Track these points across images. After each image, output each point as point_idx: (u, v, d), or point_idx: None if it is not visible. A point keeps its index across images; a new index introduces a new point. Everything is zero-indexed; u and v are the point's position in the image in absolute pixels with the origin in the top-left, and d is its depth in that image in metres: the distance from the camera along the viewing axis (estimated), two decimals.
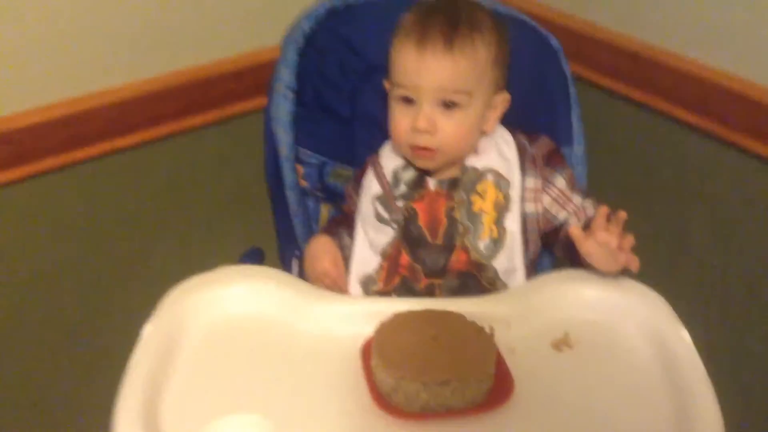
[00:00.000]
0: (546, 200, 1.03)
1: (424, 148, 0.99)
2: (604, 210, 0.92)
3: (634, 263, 0.91)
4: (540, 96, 1.13)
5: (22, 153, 1.21)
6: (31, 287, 1.32)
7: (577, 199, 1.04)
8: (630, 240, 0.91)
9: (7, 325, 1.32)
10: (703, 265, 1.40)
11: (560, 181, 1.04)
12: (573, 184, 1.05)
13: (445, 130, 0.98)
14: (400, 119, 1.00)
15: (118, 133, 1.28)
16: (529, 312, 0.92)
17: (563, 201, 1.03)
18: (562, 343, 0.89)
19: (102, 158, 1.29)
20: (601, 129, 1.45)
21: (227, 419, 0.80)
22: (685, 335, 0.87)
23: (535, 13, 1.37)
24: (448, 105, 0.98)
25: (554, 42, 1.14)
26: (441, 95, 0.97)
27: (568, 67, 1.14)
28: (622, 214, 0.91)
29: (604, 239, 0.90)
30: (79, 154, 1.26)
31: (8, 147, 1.19)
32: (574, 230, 0.92)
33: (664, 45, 1.32)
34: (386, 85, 1.05)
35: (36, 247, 1.30)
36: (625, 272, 0.94)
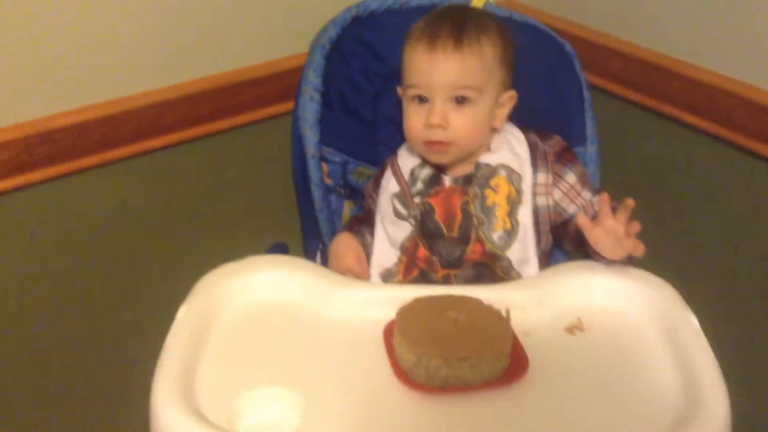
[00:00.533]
0: (557, 194, 1.08)
1: (438, 143, 1.05)
2: (605, 197, 0.96)
3: (640, 249, 0.95)
4: (555, 99, 1.19)
5: (61, 151, 1.27)
6: (67, 282, 1.37)
7: (586, 194, 1.08)
8: (636, 226, 0.95)
9: (46, 317, 1.37)
10: (713, 269, 1.43)
11: (571, 177, 1.09)
12: (584, 181, 1.10)
13: (458, 124, 1.04)
14: (414, 117, 1.06)
15: (152, 134, 1.33)
16: (543, 298, 0.96)
17: (573, 195, 1.08)
18: (574, 327, 0.93)
19: (135, 158, 1.34)
20: (613, 135, 1.49)
21: (258, 391, 0.85)
22: (693, 320, 0.91)
23: (549, 23, 1.42)
24: (460, 100, 1.04)
25: (569, 48, 1.19)
26: (452, 92, 1.03)
27: (582, 72, 1.19)
28: (630, 202, 0.95)
29: (611, 226, 0.95)
30: (114, 153, 1.31)
31: (49, 145, 1.25)
32: (582, 219, 0.97)
33: (674, 53, 1.36)
34: (399, 91, 1.10)
35: (71, 243, 1.35)
36: (631, 259, 0.98)
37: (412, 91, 1.05)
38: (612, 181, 1.50)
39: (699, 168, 1.39)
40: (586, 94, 1.19)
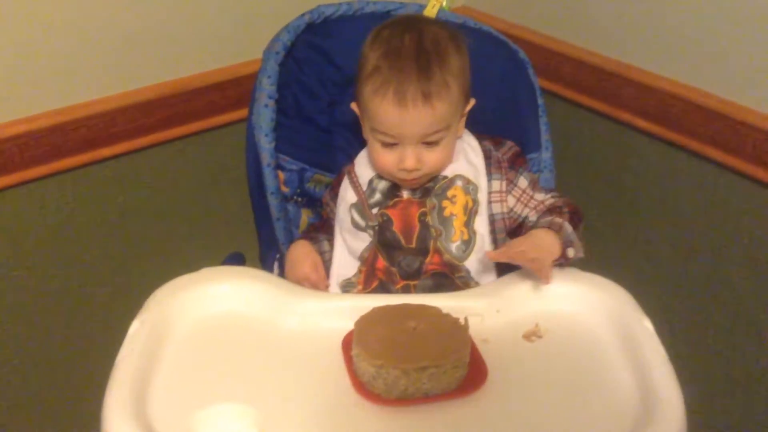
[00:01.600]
0: (510, 201, 1.09)
1: (413, 179, 1.05)
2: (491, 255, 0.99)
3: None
4: (510, 105, 1.20)
5: (8, 162, 1.23)
6: (16, 294, 1.34)
7: (539, 195, 1.09)
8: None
9: None
10: (666, 270, 1.46)
11: (522, 182, 1.09)
12: (534, 183, 1.11)
13: (430, 161, 1.04)
14: (385, 157, 1.05)
15: (102, 143, 1.30)
16: (501, 305, 0.97)
17: (526, 200, 1.09)
18: (532, 334, 0.94)
19: (85, 168, 1.31)
20: (566, 139, 1.51)
21: (214, 408, 0.83)
22: (648, 324, 0.92)
23: (503, 29, 1.43)
24: (431, 142, 1.03)
25: (522, 55, 1.20)
26: (423, 138, 1.03)
27: (536, 79, 1.20)
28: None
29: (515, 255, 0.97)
30: (63, 163, 1.28)
31: None
32: (490, 254, 0.99)
33: (625, 59, 1.39)
34: (354, 107, 1.09)
35: (22, 255, 1.31)
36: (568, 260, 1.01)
37: (381, 138, 1.04)
38: (566, 186, 1.52)
39: (651, 172, 1.42)
40: (540, 100, 1.20)
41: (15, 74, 1.21)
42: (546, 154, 1.19)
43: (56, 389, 1.43)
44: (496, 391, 0.85)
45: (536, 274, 0.98)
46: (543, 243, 0.99)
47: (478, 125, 1.16)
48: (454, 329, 0.88)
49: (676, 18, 1.29)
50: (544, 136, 1.19)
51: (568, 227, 1.01)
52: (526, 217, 1.08)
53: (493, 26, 1.24)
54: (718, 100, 1.26)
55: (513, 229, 1.09)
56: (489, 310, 0.96)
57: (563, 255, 0.99)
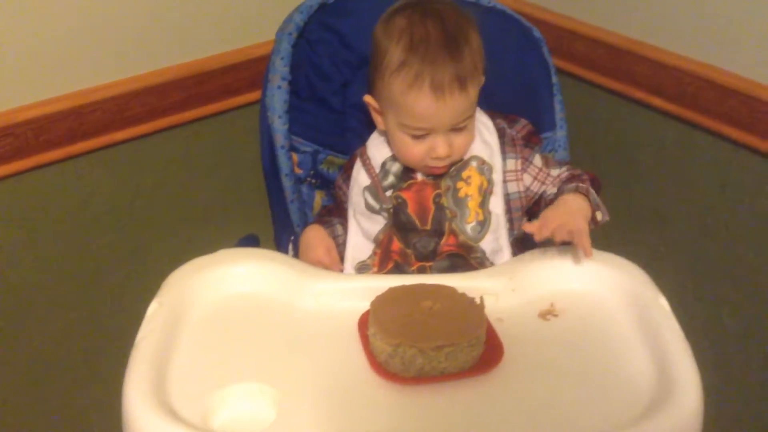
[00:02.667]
0: (527, 179, 1.09)
1: (442, 166, 1.05)
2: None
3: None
4: (524, 84, 1.19)
5: (24, 146, 1.24)
6: (33, 276, 1.35)
7: (554, 171, 1.09)
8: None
9: (11, 313, 1.35)
10: (682, 248, 1.45)
11: (537, 159, 1.09)
12: (548, 161, 1.11)
13: (458, 145, 1.04)
14: (415, 148, 1.04)
15: (117, 126, 1.31)
16: (516, 285, 0.97)
17: (543, 177, 1.09)
18: (547, 313, 0.94)
19: (100, 151, 1.32)
20: (581, 118, 1.50)
21: (232, 388, 0.84)
22: (663, 301, 0.92)
23: (515, 7, 1.42)
24: (460, 128, 1.03)
25: (536, 33, 1.19)
26: (455, 125, 1.03)
27: (551, 57, 1.19)
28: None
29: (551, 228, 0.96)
30: (79, 147, 1.29)
31: (10, 140, 1.22)
32: (527, 227, 0.99)
33: (639, 37, 1.37)
34: (369, 100, 1.08)
35: (37, 238, 1.33)
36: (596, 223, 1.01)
37: (413, 131, 1.03)
38: (581, 165, 1.51)
39: (666, 150, 1.41)
40: (555, 78, 1.19)
41: (29, 58, 1.21)
42: (561, 133, 1.18)
43: (73, 370, 1.45)
44: (512, 369, 0.86)
45: (577, 246, 0.97)
46: (576, 209, 0.99)
47: (492, 104, 1.16)
48: (470, 308, 0.89)
49: None
50: (559, 115, 1.19)
51: (593, 191, 1.02)
52: (544, 192, 1.08)
53: (506, 4, 1.23)
54: (733, 77, 1.25)
55: (530, 206, 1.09)
56: (504, 289, 0.96)
57: (593, 218, 1.00)
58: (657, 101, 1.37)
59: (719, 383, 1.40)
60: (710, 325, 1.43)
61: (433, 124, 1.02)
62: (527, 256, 1.02)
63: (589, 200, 1.01)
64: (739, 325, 1.40)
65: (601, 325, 0.92)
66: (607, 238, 1.46)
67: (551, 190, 1.07)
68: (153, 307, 0.92)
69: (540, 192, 1.09)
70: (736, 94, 1.25)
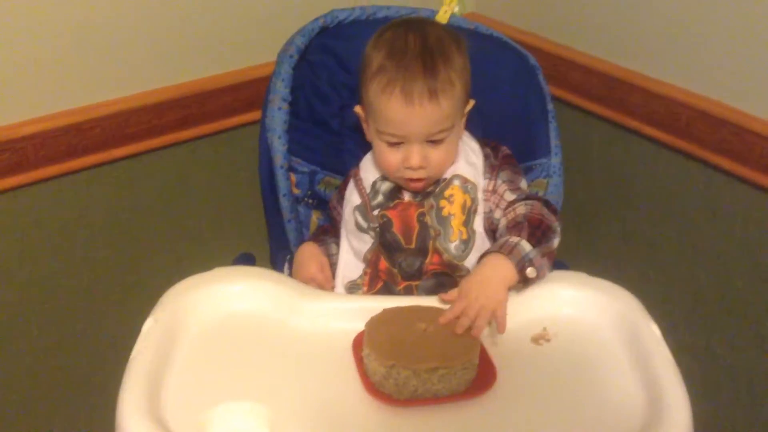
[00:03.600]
0: (492, 201, 1.08)
1: (418, 179, 1.06)
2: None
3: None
4: (520, 110, 1.21)
5: (23, 161, 1.25)
6: (29, 291, 1.35)
7: (509, 196, 1.07)
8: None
9: (6, 328, 1.35)
10: (671, 275, 1.47)
11: (498, 182, 1.09)
12: (514, 181, 1.09)
13: (435, 159, 1.05)
14: (391, 157, 1.06)
15: (116, 143, 1.32)
16: (510, 309, 0.97)
17: (496, 200, 1.08)
18: (540, 337, 0.95)
19: (99, 167, 1.32)
20: (575, 146, 1.52)
21: (226, 407, 0.84)
22: (655, 329, 0.93)
23: (512, 36, 1.44)
24: (436, 141, 1.04)
25: (532, 61, 1.21)
26: (429, 137, 1.04)
27: (546, 84, 1.21)
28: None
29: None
30: (78, 162, 1.30)
31: (9, 154, 1.23)
32: (444, 296, 0.96)
33: (634, 67, 1.40)
34: (358, 111, 1.10)
35: (34, 252, 1.33)
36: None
37: (387, 138, 1.05)
38: (575, 192, 1.53)
39: (659, 178, 1.43)
40: (550, 106, 1.21)
41: (30, 74, 1.22)
42: (555, 160, 1.20)
43: (68, 387, 1.45)
44: (505, 393, 0.86)
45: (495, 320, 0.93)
46: (494, 277, 0.94)
47: (488, 129, 1.18)
48: (464, 332, 0.90)
49: (683, 26, 1.30)
50: (554, 142, 1.20)
51: (525, 246, 0.96)
52: (499, 220, 1.05)
53: (503, 32, 1.25)
54: (725, 108, 1.27)
55: (492, 230, 1.09)
56: None
57: (522, 277, 0.95)
58: (650, 130, 1.39)
59: (709, 410, 1.41)
60: (700, 352, 1.44)
61: (404, 131, 1.03)
62: None
63: (513, 259, 0.95)
64: (728, 353, 1.41)
65: (592, 351, 0.93)
66: (600, 264, 1.48)
67: (503, 222, 1.03)
68: (148, 324, 0.93)
69: (496, 216, 1.07)
70: (728, 124, 1.27)
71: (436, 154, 1.05)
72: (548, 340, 0.95)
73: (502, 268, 0.95)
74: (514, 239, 0.97)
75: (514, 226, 1.00)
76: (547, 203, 1.04)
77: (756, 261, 1.32)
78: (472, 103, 1.10)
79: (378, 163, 1.10)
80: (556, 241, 1.01)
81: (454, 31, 1.10)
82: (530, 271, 0.96)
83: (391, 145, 1.05)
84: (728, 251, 1.36)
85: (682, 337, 1.45)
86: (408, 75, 1.01)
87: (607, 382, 0.89)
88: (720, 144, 1.29)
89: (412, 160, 1.03)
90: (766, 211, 1.27)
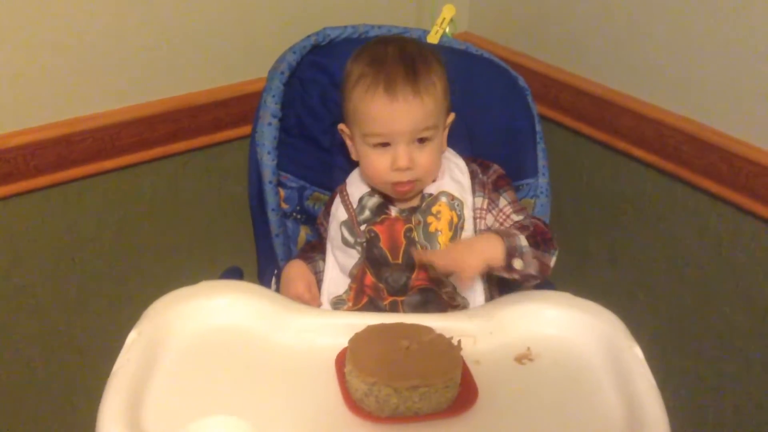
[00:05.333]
0: (489, 219, 1.11)
1: (407, 182, 1.07)
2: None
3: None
4: (508, 131, 1.22)
5: (14, 171, 1.25)
6: (16, 300, 1.35)
7: (515, 216, 1.10)
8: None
9: None
10: (659, 295, 1.47)
11: (502, 202, 1.11)
12: (516, 204, 1.12)
13: (421, 162, 1.06)
14: (378, 161, 1.06)
15: (107, 155, 1.32)
16: (493, 328, 0.98)
17: (502, 219, 1.10)
18: (524, 357, 0.95)
19: (90, 178, 1.33)
20: (565, 166, 1.53)
21: (207, 421, 0.84)
22: (638, 351, 0.93)
23: (504, 56, 1.45)
24: (421, 141, 1.05)
25: (522, 82, 1.22)
26: (414, 135, 1.05)
27: (535, 106, 1.22)
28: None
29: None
30: (68, 174, 1.30)
31: (1, 164, 1.23)
32: (417, 254, 1.04)
33: (623, 89, 1.41)
34: (342, 128, 1.11)
35: (23, 262, 1.33)
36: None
37: (373, 140, 1.06)
38: (564, 211, 1.54)
39: (647, 200, 1.44)
40: (539, 127, 1.22)
41: (22, 85, 1.22)
42: (542, 180, 1.21)
43: (54, 398, 1.44)
44: (486, 412, 0.86)
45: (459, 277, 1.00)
46: (478, 247, 1.00)
47: (476, 148, 1.19)
48: (447, 350, 0.90)
49: (674, 51, 1.31)
50: (541, 162, 1.21)
51: (522, 240, 1.00)
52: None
53: (495, 52, 1.26)
54: (713, 132, 1.28)
55: None
56: (482, 332, 0.97)
57: (507, 264, 0.99)
58: (639, 152, 1.40)
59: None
60: (687, 375, 1.44)
61: (389, 128, 1.04)
62: (506, 299, 1.04)
63: (505, 243, 0.99)
64: (715, 376, 1.41)
65: (575, 371, 0.93)
66: (588, 285, 1.48)
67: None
68: (132, 337, 0.93)
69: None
70: (716, 149, 1.27)
71: (422, 156, 1.06)
72: (531, 360, 0.95)
73: (492, 245, 1.00)
74: (515, 232, 1.02)
75: (519, 228, 1.05)
76: (547, 226, 1.08)
77: (742, 285, 1.32)
78: (453, 116, 1.11)
79: (365, 172, 1.10)
80: (552, 258, 1.04)
81: (433, 46, 1.11)
82: (517, 262, 0.99)
83: (378, 147, 1.06)
84: (715, 274, 1.36)
85: (670, 360, 1.45)
86: (390, 76, 1.03)
87: (588, 404, 0.89)
88: (708, 168, 1.30)
89: (400, 160, 1.04)
90: (753, 234, 1.28)
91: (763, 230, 1.26)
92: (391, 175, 1.06)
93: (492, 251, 0.99)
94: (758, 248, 1.28)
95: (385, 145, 1.05)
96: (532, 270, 1.00)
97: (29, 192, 1.28)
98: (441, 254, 1.02)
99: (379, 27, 1.23)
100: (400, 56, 1.05)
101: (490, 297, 1.09)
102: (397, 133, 1.04)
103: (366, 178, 1.11)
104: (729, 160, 1.26)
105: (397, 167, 1.05)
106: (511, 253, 0.99)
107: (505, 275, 1.00)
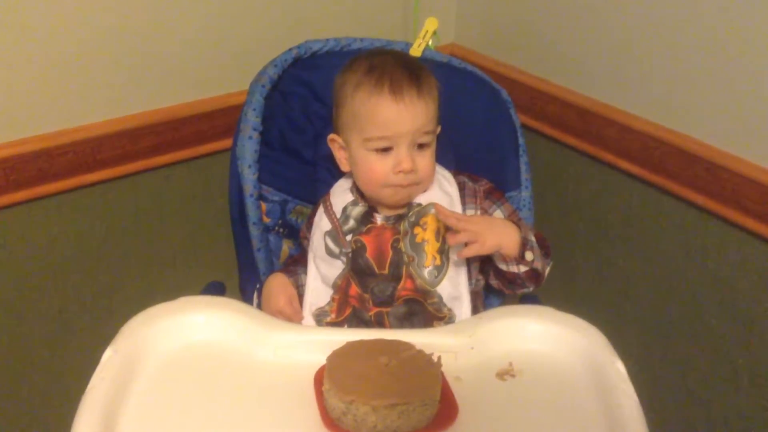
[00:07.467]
0: None
1: (407, 185, 1.07)
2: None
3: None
4: (491, 144, 1.21)
5: None
6: None
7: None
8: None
9: None
10: (644, 309, 1.46)
11: (498, 213, 1.11)
12: (514, 216, 1.12)
13: (422, 166, 1.06)
14: (378, 165, 1.06)
15: (88, 168, 1.31)
16: (475, 344, 0.96)
17: None
18: (505, 373, 0.94)
19: (71, 192, 1.32)
20: (551, 177, 1.52)
21: None
22: (621, 366, 0.92)
23: (490, 67, 1.45)
24: (421, 146, 1.06)
25: (505, 95, 1.22)
26: (416, 138, 1.05)
27: (518, 119, 1.22)
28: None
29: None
30: (49, 188, 1.29)
31: None
32: (439, 207, 1.04)
33: (609, 101, 1.41)
34: (332, 140, 1.11)
35: (2, 277, 1.31)
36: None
37: (376, 144, 1.05)
38: (549, 223, 1.53)
39: (633, 212, 1.43)
40: (521, 140, 1.21)
41: (3, 98, 1.21)
42: (525, 193, 1.20)
43: (35, 413, 1.42)
44: (466, 430, 0.85)
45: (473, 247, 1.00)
46: (501, 227, 1.03)
47: (460, 161, 1.18)
48: (426, 366, 0.88)
49: (659, 63, 1.31)
50: (524, 176, 1.20)
51: (532, 237, 1.04)
52: None
53: (480, 64, 1.26)
54: (698, 144, 1.28)
55: (483, 259, 1.10)
56: (463, 347, 0.96)
57: (521, 255, 1.02)
58: (625, 164, 1.39)
59: None
60: (675, 387, 1.43)
61: (394, 130, 1.04)
62: (488, 314, 1.02)
63: (521, 233, 1.04)
64: (703, 389, 1.40)
65: (557, 387, 0.92)
66: (574, 298, 1.48)
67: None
68: (107, 355, 0.91)
69: None
70: (702, 161, 1.27)
71: (422, 160, 1.06)
72: (513, 376, 0.94)
73: (509, 232, 1.04)
74: (527, 226, 1.07)
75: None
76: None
77: (728, 297, 1.32)
78: (439, 128, 1.10)
79: (362, 178, 1.09)
80: (548, 266, 1.07)
81: (423, 64, 1.11)
82: (528, 254, 1.03)
83: (380, 152, 1.05)
84: (701, 287, 1.35)
85: (658, 373, 1.44)
86: (395, 79, 1.04)
87: (570, 420, 0.88)
88: (693, 180, 1.29)
89: (404, 163, 1.04)
90: (739, 246, 1.27)
91: (749, 242, 1.25)
92: (392, 179, 1.06)
93: (508, 238, 1.02)
94: (744, 260, 1.27)
95: (386, 150, 1.05)
96: (539, 263, 1.04)
97: (9, 206, 1.27)
98: (464, 219, 1.03)
99: (362, 40, 1.23)
100: (400, 62, 1.07)
101: (474, 309, 1.08)
102: (401, 134, 1.04)
103: (362, 185, 1.10)
104: (715, 171, 1.26)
105: (400, 169, 1.05)
106: (525, 243, 1.03)
107: (512, 267, 1.03)
